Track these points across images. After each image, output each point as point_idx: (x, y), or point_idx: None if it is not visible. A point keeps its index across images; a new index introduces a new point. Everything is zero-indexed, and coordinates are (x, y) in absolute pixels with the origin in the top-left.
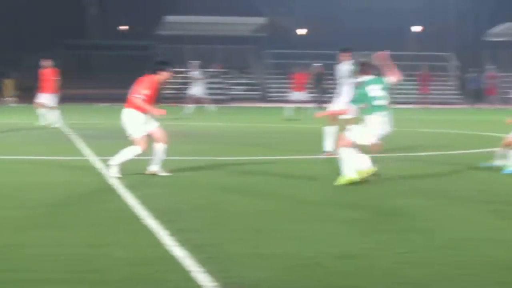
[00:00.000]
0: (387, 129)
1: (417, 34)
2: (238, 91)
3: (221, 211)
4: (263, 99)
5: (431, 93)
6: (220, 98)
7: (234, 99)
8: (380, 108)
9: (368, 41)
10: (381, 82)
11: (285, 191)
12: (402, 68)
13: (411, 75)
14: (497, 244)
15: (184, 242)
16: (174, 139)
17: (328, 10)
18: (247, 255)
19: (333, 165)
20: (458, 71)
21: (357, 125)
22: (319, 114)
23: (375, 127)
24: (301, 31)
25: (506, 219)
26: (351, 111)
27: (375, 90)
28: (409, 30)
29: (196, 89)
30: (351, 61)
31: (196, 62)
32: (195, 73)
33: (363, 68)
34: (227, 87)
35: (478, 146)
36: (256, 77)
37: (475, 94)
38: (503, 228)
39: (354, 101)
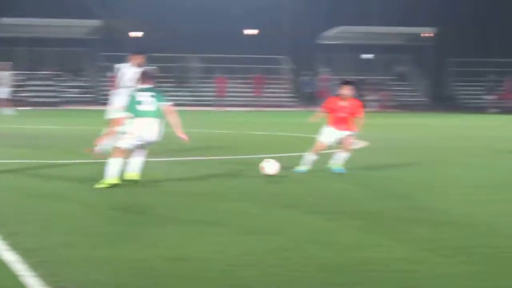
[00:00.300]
0: (153, 137)
1: (251, 36)
2: (72, 94)
3: (50, 215)
4: (97, 102)
5: (265, 96)
6: (53, 101)
7: (68, 102)
8: (144, 113)
9: (203, 44)
10: (155, 94)
11: (106, 194)
12: (236, 71)
13: (245, 78)
14: (326, 245)
15: (15, 246)
16: None
17: (163, 13)
18: (79, 259)
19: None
20: (292, 74)
21: (122, 130)
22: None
23: (136, 132)
24: (136, 34)
25: (333, 220)
26: (124, 118)
27: (144, 97)
28: (244, 32)
29: (3, 91)
30: (141, 66)
31: (5, 64)
32: (4, 74)
33: (143, 77)
34: (61, 89)
35: (310, 149)
36: (90, 80)
37: (309, 97)
38: (331, 230)
39: (127, 108)
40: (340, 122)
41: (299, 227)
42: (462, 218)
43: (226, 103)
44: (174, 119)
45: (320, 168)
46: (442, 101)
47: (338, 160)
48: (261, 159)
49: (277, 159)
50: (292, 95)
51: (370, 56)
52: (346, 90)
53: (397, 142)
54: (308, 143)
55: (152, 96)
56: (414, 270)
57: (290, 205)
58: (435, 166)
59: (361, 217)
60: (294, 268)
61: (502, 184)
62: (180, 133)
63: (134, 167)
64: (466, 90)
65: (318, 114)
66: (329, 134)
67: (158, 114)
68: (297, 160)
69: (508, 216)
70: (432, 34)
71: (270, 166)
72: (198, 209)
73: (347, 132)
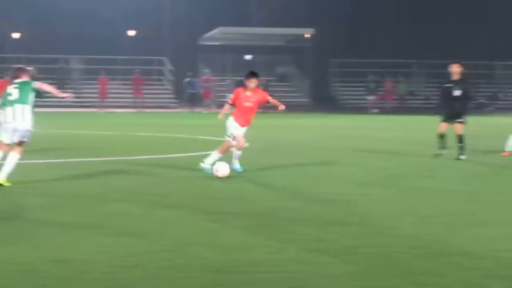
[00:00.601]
0: (23, 123)
1: (134, 38)
2: None
3: None
4: None
5: (146, 97)
6: None
7: None
8: (12, 102)
9: (86, 45)
10: (27, 85)
11: None
12: (119, 72)
13: (127, 79)
14: (210, 247)
15: None
16: None
17: (44, 15)
18: None
19: None
20: (174, 75)
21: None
22: None
23: (7, 119)
24: (16, 35)
25: (218, 221)
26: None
27: (13, 89)
28: (126, 34)
29: None
30: None
31: None
32: None
33: (16, 73)
34: None
35: (195, 150)
36: None
37: (192, 98)
38: (215, 231)
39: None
40: (246, 113)
41: (183, 228)
42: (349, 218)
43: (108, 104)
44: (47, 87)
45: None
46: (324, 101)
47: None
48: (143, 160)
49: (160, 160)
50: (174, 96)
51: (249, 57)
52: (252, 83)
53: (280, 143)
54: (190, 144)
55: (18, 87)
56: (301, 271)
57: (174, 205)
58: (319, 167)
59: (247, 218)
60: (178, 269)
61: (387, 184)
62: (60, 94)
63: (4, 171)
64: (347, 90)
65: (225, 108)
66: (238, 127)
67: (24, 100)
68: (183, 161)
69: (394, 216)
70: (310, 35)
71: (222, 169)
72: (80, 211)
73: (244, 129)
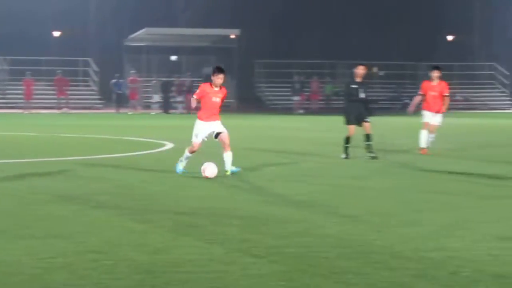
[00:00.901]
0: None
1: (59, 38)
2: None
3: None
4: None
5: (71, 98)
6: None
7: None
8: None
9: (11, 46)
10: None
11: None
12: (41, 73)
13: (51, 81)
14: (137, 247)
15: None
16: None
17: None
18: None
19: None
20: (99, 76)
21: None
22: None
23: None
24: None
25: (145, 222)
26: None
27: None
28: (51, 35)
29: None
30: None
31: None
32: None
33: None
34: None
35: (120, 151)
36: None
37: (118, 99)
38: (142, 231)
39: None
40: (213, 108)
41: (110, 228)
42: (274, 217)
43: (34, 105)
44: None
45: (134, 167)
46: (249, 102)
47: (228, 162)
48: (68, 161)
49: (86, 161)
50: (99, 97)
51: (175, 57)
52: (219, 78)
53: (206, 143)
54: (116, 145)
55: None
56: (225, 271)
57: (101, 206)
58: (244, 167)
59: (174, 218)
60: (105, 270)
61: (310, 184)
62: None
63: None
64: (273, 91)
65: (193, 100)
66: (201, 132)
67: None
68: (110, 162)
69: (319, 215)
70: (235, 36)
71: (210, 169)
72: (5, 212)
73: (217, 124)
